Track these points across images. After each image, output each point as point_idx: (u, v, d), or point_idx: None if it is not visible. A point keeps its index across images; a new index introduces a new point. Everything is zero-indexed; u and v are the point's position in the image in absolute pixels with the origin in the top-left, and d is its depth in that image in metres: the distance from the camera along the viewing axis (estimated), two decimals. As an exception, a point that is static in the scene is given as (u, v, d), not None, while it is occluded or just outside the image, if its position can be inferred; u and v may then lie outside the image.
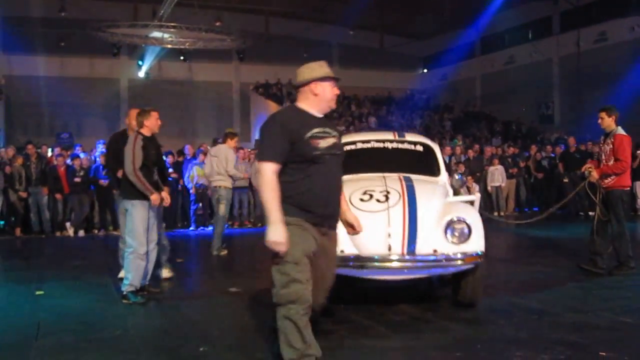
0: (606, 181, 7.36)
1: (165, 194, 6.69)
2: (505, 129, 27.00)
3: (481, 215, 5.88)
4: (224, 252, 10.17)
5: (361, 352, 4.60)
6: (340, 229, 5.41)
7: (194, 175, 14.59)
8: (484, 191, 16.42)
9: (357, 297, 6.11)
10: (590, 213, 15.93)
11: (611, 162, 7.33)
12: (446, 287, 6.08)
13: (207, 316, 5.95)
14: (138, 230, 6.49)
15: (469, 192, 14.27)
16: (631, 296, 6.09)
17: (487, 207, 16.58)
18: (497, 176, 16.38)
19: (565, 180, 16.33)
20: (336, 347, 4.68)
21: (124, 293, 6.48)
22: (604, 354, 4.40)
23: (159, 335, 5.30)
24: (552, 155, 17.59)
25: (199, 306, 6.47)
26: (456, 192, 6.99)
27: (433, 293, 6.65)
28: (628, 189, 7.70)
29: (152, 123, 6.73)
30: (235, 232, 13.89)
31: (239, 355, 4.64)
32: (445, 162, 13.57)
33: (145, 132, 6.71)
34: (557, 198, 17.15)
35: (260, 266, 6.99)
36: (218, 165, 10.19)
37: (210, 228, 14.53)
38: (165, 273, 7.65)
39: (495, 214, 16.41)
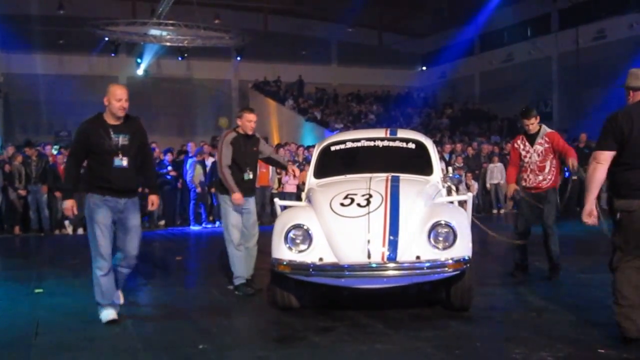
0: (543, 183, 7.08)
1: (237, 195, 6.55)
2: (509, 125, 26.88)
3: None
4: None
5: (360, 349, 4.60)
6: (320, 235, 5.37)
7: (197, 173, 14.55)
8: (483, 188, 16.44)
9: (355, 295, 6.10)
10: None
11: (548, 162, 7.05)
12: (438, 290, 5.93)
13: (206, 314, 5.94)
14: (229, 223, 6.65)
15: (468, 189, 14.29)
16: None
17: (486, 204, 16.61)
18: (496, 173, 16.38)
19: (574, 178, 16.29)
20: (335, 345, 4.68)
21: (236, 285, 6.66)
22: (602, 351, 4.40)
23: (157, 333, 5.29)
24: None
25: (198, 304, 6.47)
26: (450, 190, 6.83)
27: (432, 292, 6.64)
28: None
29: (242, 123, 6.71)
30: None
31: (238, 353, 4.64)
32: (444, 159, 13.50)
33: (240, 130, 6.72)
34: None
35: (258, 264, 6.98)
36: None
37: (210, 226, 14.55)
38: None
39: (495, 211, 16.43)
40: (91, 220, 5.59)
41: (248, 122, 6.65)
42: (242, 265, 6.67)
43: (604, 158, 4.43)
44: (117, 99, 5.45)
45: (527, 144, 7.25)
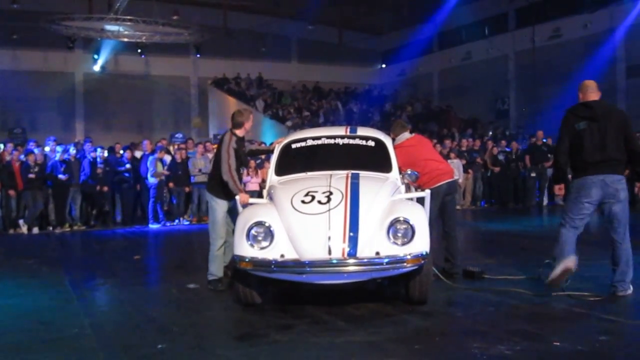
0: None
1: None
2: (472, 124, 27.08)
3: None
4: None
5: (321, 346, 4.61)
6: (281, 232, 5.40)
7: (159, 171, 14.33)
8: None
9: (316, 292, 6.12)
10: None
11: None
12: (398, 285, 6.01)
13: (165, 313, 5.90)
14: (218, 224, 6.82)
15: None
16: (584, 287, 6.21)
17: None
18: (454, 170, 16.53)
19: (533, 174, 16.67)
20: (296, 342, 4.69)
21: (209, 280, 6.80)
22: (557, 343, 4.50)
23: (116, 333, 5.23)
24: (508, 149, 17.87)
25: (157, 303, 6.42)
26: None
27: (391, 287, 6.69)
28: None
29: (249, 125, 6.81)
30: (194, 228, 13.78)
31: (198, 352, 4.61)
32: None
33: (238, 132, 6.78)
34: (514, 191, 17.45)
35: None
36: None
37: (169, 224, 14.38)
38: None
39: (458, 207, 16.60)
40: None
41: (250, 125, 6.87)
42: (220, 265, 6.82)
43: None
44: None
45: None
